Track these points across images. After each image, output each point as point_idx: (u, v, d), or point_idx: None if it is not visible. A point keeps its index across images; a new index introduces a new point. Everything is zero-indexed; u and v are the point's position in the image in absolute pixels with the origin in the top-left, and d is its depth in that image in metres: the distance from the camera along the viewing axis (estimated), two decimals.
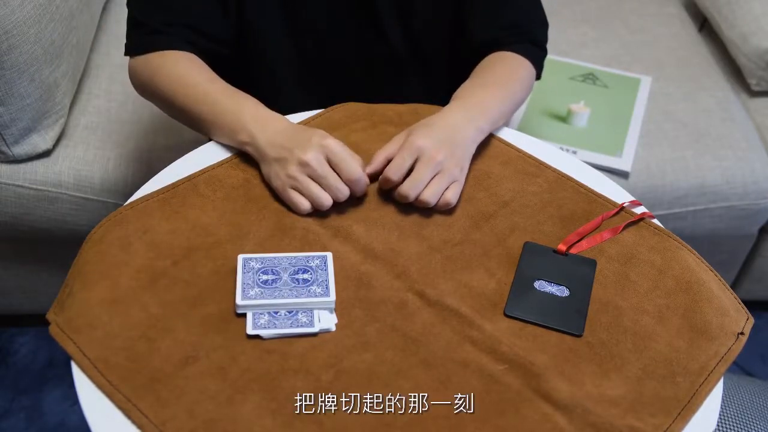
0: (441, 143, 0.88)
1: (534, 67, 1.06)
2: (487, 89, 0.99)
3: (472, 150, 0.93)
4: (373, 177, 0.91)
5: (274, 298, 0.77)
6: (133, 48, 1.02)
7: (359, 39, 1.08)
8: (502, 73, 1.03)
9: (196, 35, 1.00)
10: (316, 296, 0.77)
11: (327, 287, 0.78)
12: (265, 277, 0.79)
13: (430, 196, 0.87)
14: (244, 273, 0.79)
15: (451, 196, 0.88)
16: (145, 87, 1.01)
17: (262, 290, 0.77)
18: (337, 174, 0.86)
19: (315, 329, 0.75)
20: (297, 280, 0.79)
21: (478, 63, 1.07)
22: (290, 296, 0.77)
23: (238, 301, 0.76)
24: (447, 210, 0.89)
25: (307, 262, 0.81)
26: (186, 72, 0.97)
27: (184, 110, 0.96)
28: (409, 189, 0.87)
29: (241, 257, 0.80)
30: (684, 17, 1.78)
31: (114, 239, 0.82)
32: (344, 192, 0.86)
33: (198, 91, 0.95)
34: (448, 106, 0.96)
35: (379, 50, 1.10)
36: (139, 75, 1.01)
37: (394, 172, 0.87)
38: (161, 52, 0.99)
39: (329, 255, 0.81)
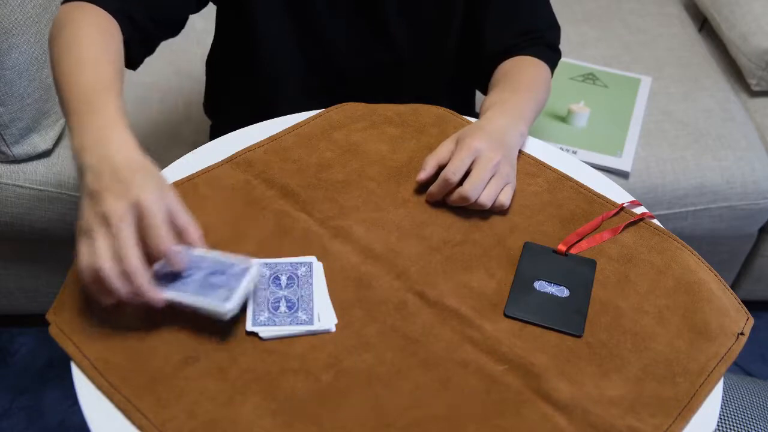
0: (496, 145, 0.88)
1: (550, 69, 1.08)
2: (521, 94, 0.99)
3: (517, 154, 0.94)
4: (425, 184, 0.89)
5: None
6: None
7: (363, 41, 1.08)
8: (529, 78, 1.04)
9: (133, 6, 0.90)
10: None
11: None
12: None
13: (486, 198, 0.86)
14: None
15: (506, 198, 0.88)
16: (50, 39, 0.86)
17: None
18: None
19: (314, 326, 0.75)
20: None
21: (489, 68, 1.08)
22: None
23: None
24: (446, 210, 0.89)
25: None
26: (88, 40, 0.83)
27: (57, 81, 0.82)
28: (471, 191, 0.85)
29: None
30: (684, 17, 1.78)
31: None
32: (134, 265, 0.67)
33: (80, 65, 0.80)
34: (489, 112, 0.95)
35: (383, 52, 1.09)
36: (54, 24, 0.86)
37: (453, 173, 0.86)
38: (82, 4, 0.87)
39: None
